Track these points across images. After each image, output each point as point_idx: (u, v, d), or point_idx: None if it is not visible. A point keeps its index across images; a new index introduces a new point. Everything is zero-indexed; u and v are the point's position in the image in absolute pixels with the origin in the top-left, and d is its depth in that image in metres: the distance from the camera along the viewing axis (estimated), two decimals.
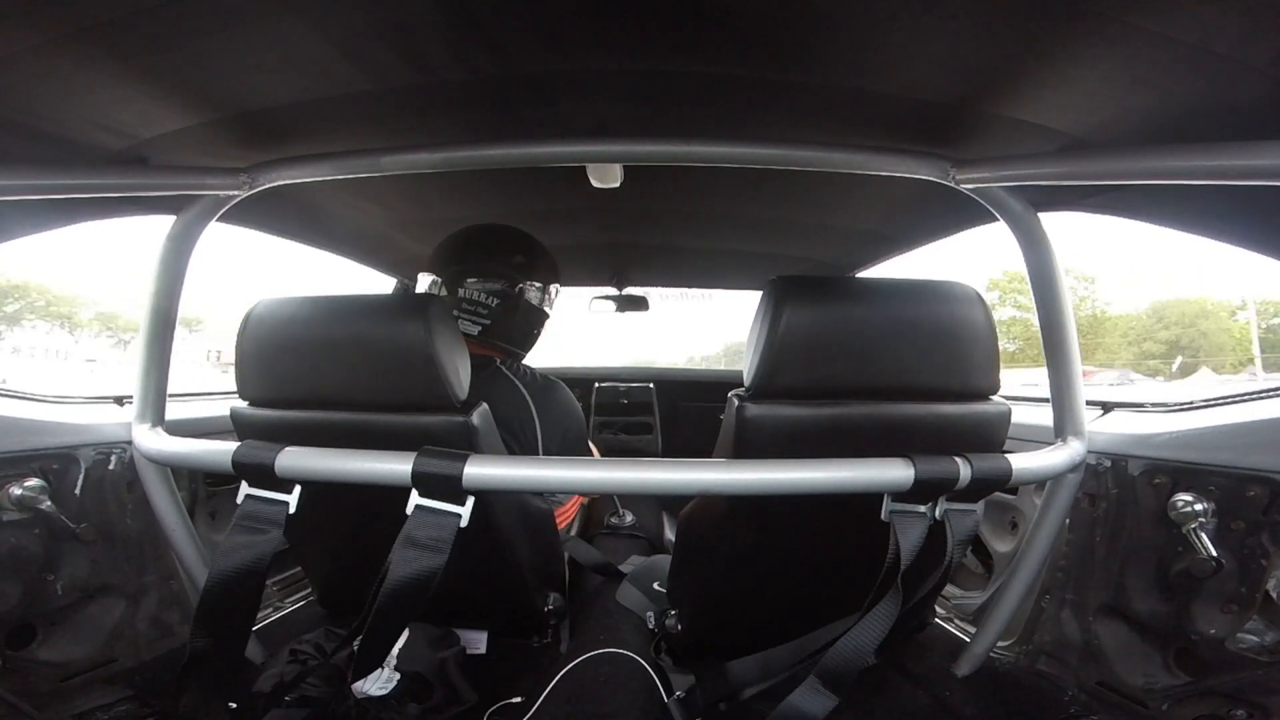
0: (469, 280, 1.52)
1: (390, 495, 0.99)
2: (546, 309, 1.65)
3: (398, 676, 1.28)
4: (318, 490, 1.05)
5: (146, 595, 1.42)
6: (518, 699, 1.33)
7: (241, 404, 1.23)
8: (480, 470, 0.97)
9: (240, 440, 1.11)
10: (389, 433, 1.12)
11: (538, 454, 1.50)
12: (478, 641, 1.51)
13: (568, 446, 1.60)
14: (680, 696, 1.29)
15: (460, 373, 1.13)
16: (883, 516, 1.01)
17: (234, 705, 1.21)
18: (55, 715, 1.16)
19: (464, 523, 0.98)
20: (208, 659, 1.06)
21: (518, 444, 1.47)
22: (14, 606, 1.20)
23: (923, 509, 1.01)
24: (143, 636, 1.41)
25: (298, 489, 1.05)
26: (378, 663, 1.08)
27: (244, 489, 1.06)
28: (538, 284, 1.59)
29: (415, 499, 0.98)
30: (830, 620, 1.36)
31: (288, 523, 1.06)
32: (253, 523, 1.05)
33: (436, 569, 0.95)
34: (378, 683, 1.27)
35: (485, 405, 1.16)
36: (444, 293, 1.54)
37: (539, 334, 1.68)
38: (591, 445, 1.87)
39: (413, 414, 1.12)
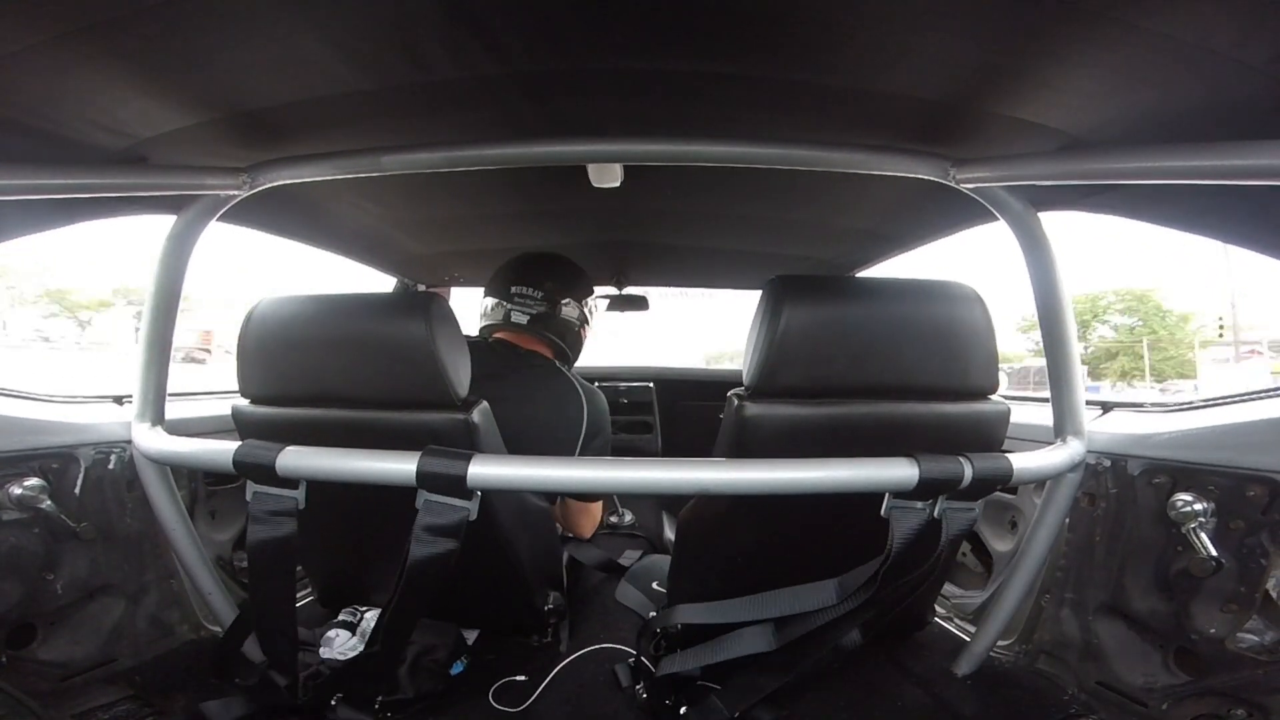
0: (520, 285, 1.68)
1: (392, 494, 0.99)
2: (585, 322, 1.81)
3: (360, 647, 1.32)
4: (320, 488, 1.06)
5: (146, 595, 1.42)
6: (521, 677, 1.36)
7: (243, 402, 1.23)
8: (483, 470, 0.97)
9: (241, 438, 1.11)
10: (390, 430, 1.12)
11: (576, 449, 1.58)
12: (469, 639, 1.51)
13: (598, 449, 1.69)
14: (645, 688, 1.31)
15: (460, 370, 1.14)
16: (883, 512, 1.01)
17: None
18: (55, 715, 1.16)
19: (473, 516, 1.01)
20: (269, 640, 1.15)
21: (562, 436, 1.55)
22: (14, 606, 1.20)
23: (920, 504, 1.01)
24: (143, 636, 1.41)
25: (304, 483, 1.07)
26: (404, 636, 1.16)
27: (250, 487, 1.07)
28: (575, 300, 1.74)
29: (425, 495, 1.01)
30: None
31: None
32: (265, 519, 1.07)
33: (451, 553, 1.00)
34: (341, 646, 1.32)
35: (485, 403, 1.16)
36: (505, 312, 1.68)
37: (580, 343, 1.82)
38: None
39: (414, 411, 1.13)
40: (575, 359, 1.82)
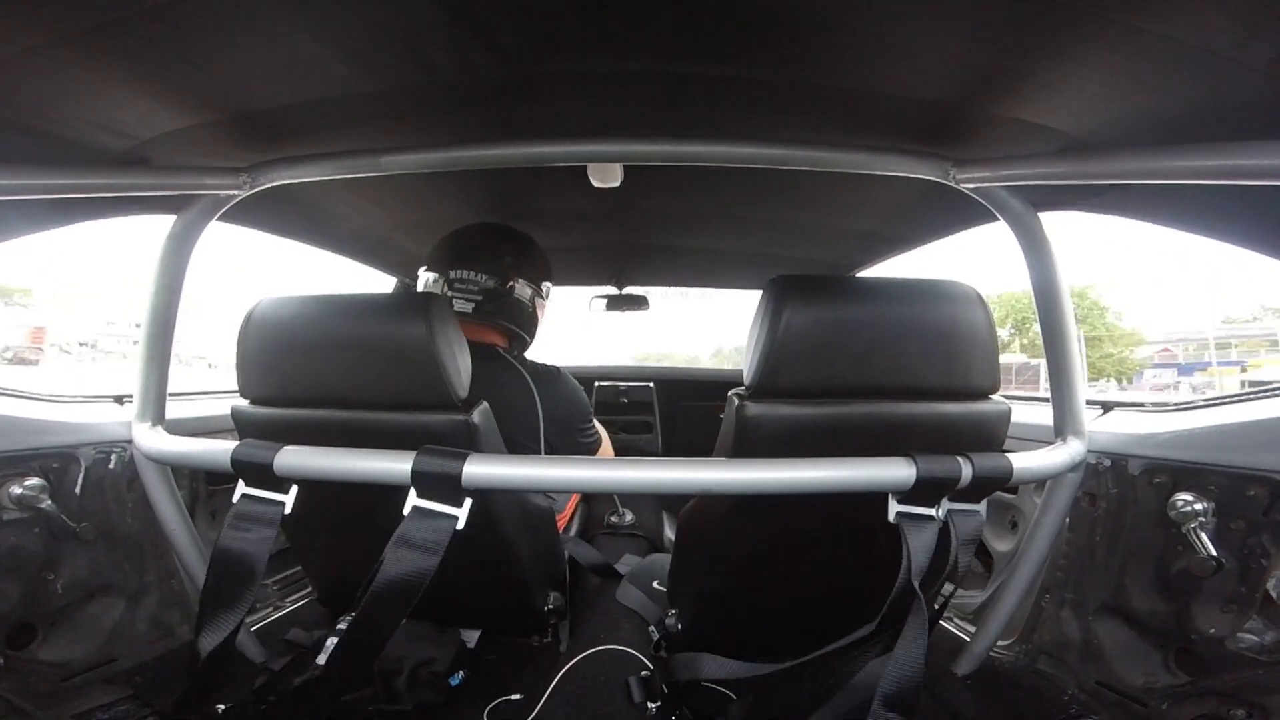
0: (459, 269, 1.54)
1: (390, 494, 0.99)
2: (540, 304, 1.67)
3: None
4: (317, 489, 1.06)
5: (147, 595, 1.42)
6: (517, 696, 1.33)
7: (243, 403, 1.23)
8: (479, 469, 0.97)
9: (241, 439, 1.11)
10: (390, 431, 1.12)
11: (539, 441, 1.51)
12: (469, 640, 1.51)
13: (570, 434, 1.60)
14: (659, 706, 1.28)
15: (461, 371, 1.14)
16: (890, 519, 1.00)
17: (221, 707, 1.22)
18: (55, 715, 1.16)
19: (460, 525, 0.98)
20: (212, 659, 1.05)
21: (520, 430, 1.47)
22: (14, 606, 1.20)
23: (931, 511, 1.00)
24: (143, 636, 1.41)
25: (294, 489, 1.06)
26: (366, 658, 1.07)
27: (240, 488, 1.06)
28: (529, 281, 1.60)
29: (413, 500, 0.98)
30: (831, 621, 1.35)
31: (288, 522, 1.06)
32: (247, 522, 1.05)
33: (428, 570, 0.95)
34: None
35: (486, 404, 1.16)
36: (442, 288, 1.55)
37: (535, 327, 1.69)
38: (602, 430, 1.86)
39: (413, 412, 1.12)
40: (531, 341, 1.70)
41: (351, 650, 1.02)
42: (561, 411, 1.57)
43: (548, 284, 1.69)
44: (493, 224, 1.67)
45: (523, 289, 1.58)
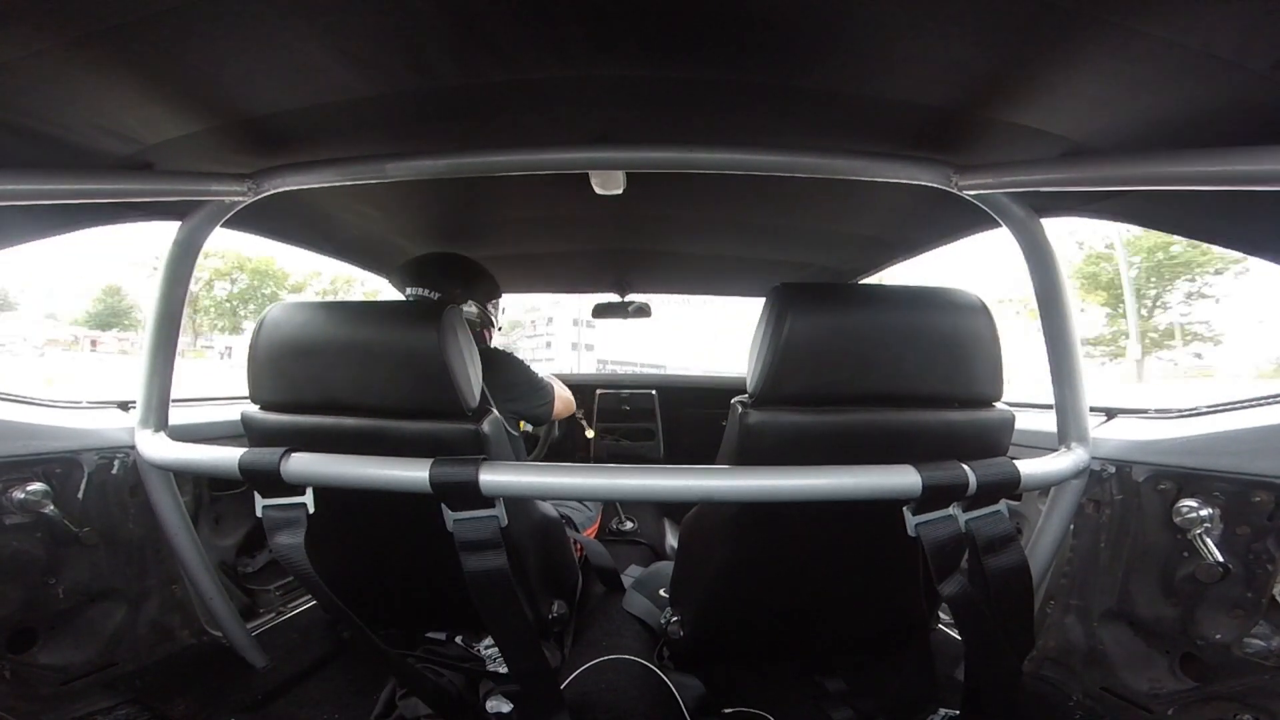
0: (414, 287, 1.68)
1: (397, 501, 0.99)
2: (489, 322, 1.85)
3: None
4: (326, 495, 1.06)
5: (148, 600, 1.42)
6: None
7: (253, 408, 1.23)
8: (494, 476, 0.97)
9: (250, 443, 1.11)
10: (400, 438, 1.12)
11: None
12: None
13: (520, 406, 1.71)
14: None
15: (472, 380, 1.14)
16: (910, 532, 0.99)
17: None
18: (55, 719, 1.16)
19: (504, 522, 1.00)
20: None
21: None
22: (15, 610, 1.20)
23: (950, 512, 1.00)
24: (143, 641, 1.41)
25: (310, 489, 1.06)
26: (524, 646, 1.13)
27: (259, 502, 1.06)
28: (475, 300, 1.77)
29: (450, 514, 1.00)
30: (834, 627, 1.34)
31: None
32: (281, 528, 1.06)
33: (502, 565, 1.00)
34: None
35: (495, 413, 1.17)
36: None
37: (489, 330, 1.86)
38: (554, 381, 1.94)
39: (424, 420, 1.13)
40: (489, 339, 1.84)
41: (507, 649, 1.10)
42: (504, 391, 1.66)
43: (496, 303, 1.88)
44: (443, 252, 1.84)
45: (470, 310, 1.75)
